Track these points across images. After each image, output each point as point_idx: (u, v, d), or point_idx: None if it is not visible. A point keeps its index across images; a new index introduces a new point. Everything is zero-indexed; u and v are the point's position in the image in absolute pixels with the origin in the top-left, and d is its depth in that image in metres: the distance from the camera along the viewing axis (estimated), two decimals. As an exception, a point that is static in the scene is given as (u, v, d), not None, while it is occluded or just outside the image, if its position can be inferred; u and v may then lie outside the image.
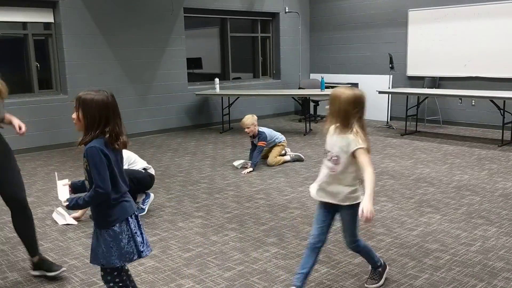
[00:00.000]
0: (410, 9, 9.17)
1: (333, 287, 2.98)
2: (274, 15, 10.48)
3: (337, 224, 4.06)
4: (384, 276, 3.01)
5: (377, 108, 9.70)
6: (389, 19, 9.53)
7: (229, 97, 8.91)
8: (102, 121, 2.24)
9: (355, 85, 10.02)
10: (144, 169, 4.47)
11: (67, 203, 2.35)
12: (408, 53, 9.31)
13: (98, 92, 2.27)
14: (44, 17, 7.50)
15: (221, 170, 6.02)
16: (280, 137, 6.28)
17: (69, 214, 4.27)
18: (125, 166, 3.76)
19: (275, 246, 3.61)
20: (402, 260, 3.31)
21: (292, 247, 3.59)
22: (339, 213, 2.79)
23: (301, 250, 3.52)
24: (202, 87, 9.24)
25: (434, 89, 8.69)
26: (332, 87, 9.11)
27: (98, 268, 3.27)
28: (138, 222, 2.40)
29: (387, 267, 3.07)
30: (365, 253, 2.96)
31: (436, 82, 8.92)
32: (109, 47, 8.00)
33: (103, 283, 3.06)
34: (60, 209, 4.30)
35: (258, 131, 6.07)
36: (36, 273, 3.14)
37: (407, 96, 8.56)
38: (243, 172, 5.83)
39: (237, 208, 4.53)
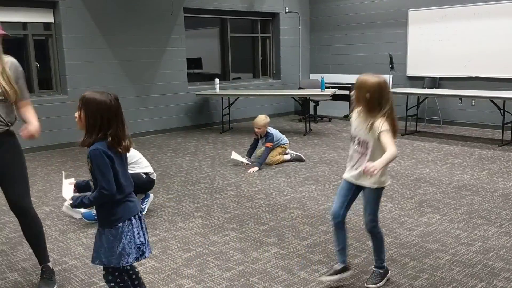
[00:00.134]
0: (410, 9, 9.17)
1: (333, 287, 2.98)
2: (274, 15, 10.48)
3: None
4: (385, 279, 3.01)
5: (377, 108, 9.70)
6: (389, 19, 9.53)
7: (229, 97, 8.91)
8: (104, 124, 2.24)
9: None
10: (146, 173, 4.43)
11: (71, 201, 2.37)
12: (408, 53, 9.31)
13: (103, 94, 2.28)
14: (44, 17, 7.50)
15: (221, 170, 6.02)
16: (284, 139, 6.32)
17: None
18: None
19: (275, 246, 3.61)
20: (402, 260, 3.31)
21: (292, 247, 3.59)
22: (364, 192, 2.90)
23: (301, 250, 3.53)
24: (202, 87, 9.24)
25: (434, 89, 8.69)
26: (332, 87, 9.17)
27: (98, 268, 3.29)
28: (141, 223, 2.40)
29: (389, 273, 3.07)
30: (378, 241, 2.99)
31: (436, 82, 8.92)
32: (109, 47, 8.01)
33: (103, 284, 3.07)
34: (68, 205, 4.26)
35: (267, 131, 6.13)
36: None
37: (407, 96, 8.56)
38: (249, 171, 5.85)
39: (237, 208, 4.53)
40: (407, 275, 3.09)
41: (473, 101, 8.63)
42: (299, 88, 10.12)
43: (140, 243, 2.35)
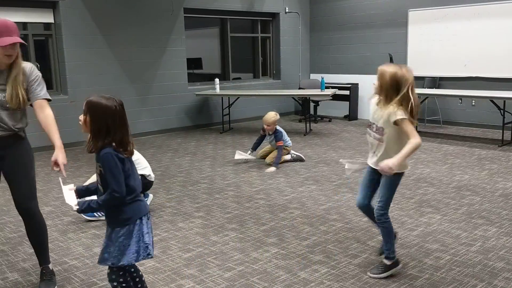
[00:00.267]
0: (410, 9, 9.17)
1: (333, 287, 2.98)
2: (274, 15, 10.48)
3: (337, 224, 4.06)
4: (391, 272, 3.04)
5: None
6: (389, 19, 9.53)
7: (229, 97, 8.91)
8: (109, 129, 2.27)
9: (355, 85, 10.04)
10: (142, 175, 4.39)
11: (78, 207, 2.37)
12: (408, 53, 9.30)
13: (108, 99, 2.29)
14: (44, 17, 7.50)
15: (221, 170, 6.02)
16: (289, 141, 6.33)
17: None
18: None
19: (275, 246, 3.61)
20: (402, 261, 3.30)
21: (292, 247, 3.59)
22: (382, 178, 2.99)
23: (301, 250, 3.53)
24: (202, 87, 9.24)
25: (434, 89, 8.69)
26: (332, 87, 9.17)
27: (99, 268, 3.29)
28: (149, 223, 2.43)
29: (399, 265, 3.10)
30: (384, 231, 3.04)
31: (436, 82, 8.92)
32: (109, 47, 8.00)
33: (103, 284, 3.08)
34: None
35: (276, 129, 6.17)
36: None
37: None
38: (266, 170, 5.88)
39: (237, 208, 4.53)
40: (407, 275, 3.09)
41: (473, 101, 8.63)
42: (299, 88, 10.12)
43: (148, 242, 2.38)
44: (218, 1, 9.33)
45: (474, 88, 8.20)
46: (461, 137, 7.87)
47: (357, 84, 10.07)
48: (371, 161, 3.06)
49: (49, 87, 7.74)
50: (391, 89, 2.83)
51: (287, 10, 10.39)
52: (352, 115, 10.08)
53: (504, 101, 7.18)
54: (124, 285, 2.45)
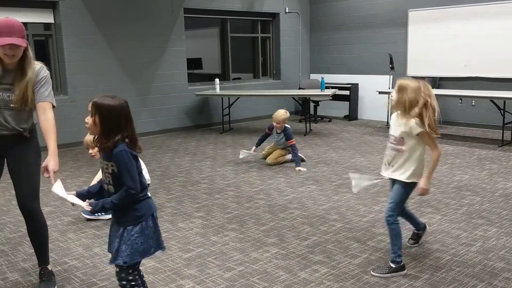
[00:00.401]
0: (410, 9, 9.17)
1: (333, 287, 2.98)
2: (274, 16, 10.48)
3: (337, 224, 4.06)
4: (393, 275, 3.07)
5: (378, 108, 9.71)
6: (389, 19, 9.53)
7: (229, 98, 8.90)
8: (120, 127, 2.30)
9: (355, 85, 10.04)
10: None
11: (90, 207, 2.36)
12: (408, 53, 9.30)
13: (114, 98, 2.33)
14: (44, 17, 7.50)
15: (221, 170, 6.02)
16: None
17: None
18: None
19: (275, 247, 3.61)
20: (402, 261, 3.30)
21: (292, 247, 3.59)
22: (395, 183, 3.14)
23: (301, 250, 3.52)
24: (202, 87, 9.24)
25: (434, 89, 8.59)
26: (332, 87, 9.17)
27: (99, 268, 3.29)
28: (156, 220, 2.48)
29: (404, 271, 3.11)
30: (392, 233, 3.14)
31: (436, 82, 8.92)
32: (109, 48, 8.00)
33: (103, 284, 3.08)
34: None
35: (285, 126, 6.17)
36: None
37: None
38: (296, 168, 5.88)
39: (237, 209, 4.53)
40: (407, 275, 3.09)
41: (473, 101, 8.63)
42: (299, 88, 10.12)
43: (160, 235, 2.44)
44: (218, 1, 9.33)
45: (474, 88, 8.20)
46: (461, 137, 7.87)
47: (357, 84, 10.07)
48: (386, 173, 3.20)
49: (49, 87, 7.74)
50: (410, 102, 2.98)
51: (287, 10, 10.39)
52: (352, 115, 10.08)
53: (504, 101, 7.18)
54: (133, 283, 2.44)
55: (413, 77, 3.05)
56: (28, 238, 3.10)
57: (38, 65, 2.91)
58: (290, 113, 10.85)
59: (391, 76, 9.07)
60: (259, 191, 5.09)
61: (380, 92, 8.43)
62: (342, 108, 10.17)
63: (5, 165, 2.99)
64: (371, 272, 3.12)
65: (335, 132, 8.68)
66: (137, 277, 2.48)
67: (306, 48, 10.99)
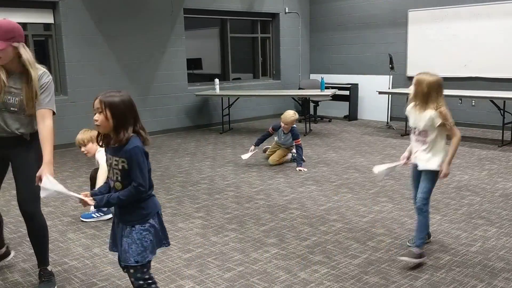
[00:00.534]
0: (410, 10, 9.17)
1: (333, 287, 2.98)
2: (274, 16, 10.48)
3: (337, 224, 4.06)
4: (419, 261, 3.23)
5: (377, 109, 9.71)
6: (389, 19, 9.53)
7: (229, 98, 8.90)
8: (131, 119, 2.30)
9: (355, 85, 10.04)
10: None
11: (94, 202, 2.33)
12: (408, 54, 9.30)
13: (120, 92, 2.32)
14: (44, 18, 7.50)
15: (221, 170, 6.02)
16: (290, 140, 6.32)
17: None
18: None
19: (275, 247, 3.61)
20: (402, 261, 3.30)
21: (292, 247, 3.59)
22: (422, 174, 3.31)
23: (301, 250, 3.53)
24: (202, 87, 9.24)
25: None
26: (332, 87, 9.17)
27: (99, 269, 3.29)
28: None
29: (424, 257, 3.27)
30: (424, 222, 3.30)
31: (436, 82, 8.90)
32: (109, 48, 8.00)
33: (103, 284, 3.08)
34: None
35: (292, 127, 6.16)
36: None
37: (407, 97, 8.53)
38: (297, 168, 5.90)
39: (237, 209, 4.53)
40: (407, 276, 3.09)
41: (473, 101, 8.62)
42: (299, 89, 10.13)
43: (164, 235, 2.45)
44: (218, 2, 9.33)
45: (474, 88, 8.20)
46: (461, 137, 7.86)
47: (357, 84, 10.07)
48: (418, 161, 3.36)
49: (49, 87, 7.74)
50: (428, 95, 3.20)
51: (287, 11, 10.39)
52: (352, 115, 10.08)
53: (504, 101, 7.18)
54: (150, 281, 2.42)
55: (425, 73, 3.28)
56: (28, 239, 3.10)
57: (41, 70, 2.89)
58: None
59: (391, 76, 9.07)
60: (259, 191, 5.09)
61: (380, 92, 8.43)
62: (342, 108, 10.17)
63: (10, 167, 3.01)
64: (400, 258, 3.28)
65: (335, 132, 8.68)
66: (152, 274, 2.46)
67: (306, 48, 10.99)
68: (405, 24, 9.27)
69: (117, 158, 2.29)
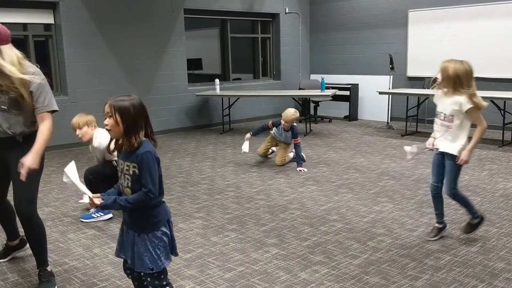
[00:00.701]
0: (410, 10, 9.17)
1: (333, 287, 2.98)
2: (274, 16, 10.48)
3: (337, 225, 4.06)
4: (479, 228, 3.61)
5: (378, 109, 9.72)
6: (389, 19, 9.53)
7: (229, 98, 8.91)
8: (142, 123, 2.26)
9: (355, 85, 10.04)
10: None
11: (101, 201, 2.27)
12: (408, 54, 9.31)
13: (129, 96, 2.29)
14: (45, 18, 7.50)
15: (221, 171, 6.02)
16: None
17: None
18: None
19: (275, 247, 3.61)
20: (402, 261, 3.31)
21: (293, 248, 3.59)
22: (446, 159, 3.44)
23: (302, 251, 3.52)
24: (203, 88, 9.24)
25: (434, 90, 8.67)
26: (333, 87, 9.17)
27: (99, 269, 3.29)
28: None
29: (483, 220, 3.63)
30: (463, 202, 3.57)
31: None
32: (109, 48, 8.01)
33: (103, 285, 3.07)
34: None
35: (292, 125, 6.15)
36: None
37: (408, 97, 8.56)
38: (298, 168, 5.90)
39: (237, 209, 4.53)
40: (407, 276, 3.09)
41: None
42: (299, 89, 10.12)
43: (175, 241, 2.41)
44: (218, 2, 9.33)
45: (474, 88, 8.19)
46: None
47: (357, 84, 10.07)
48: (439, 145, 3.48)
49: (49, 87, 7.73)
50: (457, 81, 3.27)
51: (287, 11, 10.39)
52: (352, 116, 10.08)
53: (504, 102, 7.18)
54: (168, 287, 2.41)
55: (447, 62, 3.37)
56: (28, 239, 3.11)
57: (31, 69, 2.85)
58: (290, 113, 10.88)
59: (391, 77, 9.07)
60: (259, 191, 5.09)
61: (380, 93, 8.43)
62: (342, 109, 10.17)
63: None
64: (462, 233, 3.62)
65: (335, 132, 8.68)
66: (169, 281, 2.44)
67: (306, 48, 10.99)
68: (405, 24, 9.27)
69: (128, 163, 2.26)
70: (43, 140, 2.84)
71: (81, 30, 7.65)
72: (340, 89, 9.52)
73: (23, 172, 2.72)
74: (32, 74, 2.84)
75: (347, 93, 9.98)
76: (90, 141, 4.35)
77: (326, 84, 8.68)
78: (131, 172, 2.26)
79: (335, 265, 3.28)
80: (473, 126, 3.38)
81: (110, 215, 4.29)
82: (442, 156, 3.48)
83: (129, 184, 2.28)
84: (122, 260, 2.48)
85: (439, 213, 3.69)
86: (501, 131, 7.28)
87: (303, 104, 9.85)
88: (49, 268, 3.11)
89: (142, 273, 2.34)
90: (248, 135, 6.25)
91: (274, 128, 6.29)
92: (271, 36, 10.66)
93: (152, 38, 8.47)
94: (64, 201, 4.90)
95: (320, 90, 8.58)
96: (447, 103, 3.36)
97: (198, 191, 5.17)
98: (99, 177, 4.27)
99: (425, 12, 8.97)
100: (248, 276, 3.16)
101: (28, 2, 7.25)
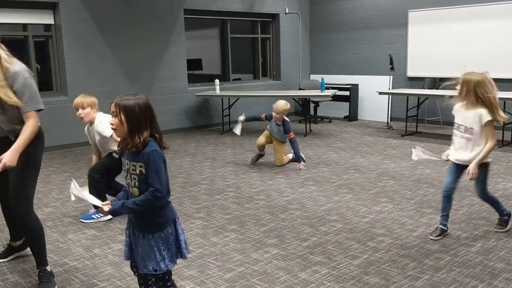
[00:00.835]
0: (410, 10, 9.18)
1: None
2: (274, 16, 10.49)
3: (337, 225, 4.06)
4: (510, 223, 3.74)
5: (378, 109, 9.72)
6: (389, 20, 9.53)
7: (229, 98, 8.91)
8: (147, 123, 2.24)
9: (355, 86, 10.04)
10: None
11: (110, 207, 2.26)
12: (408, 54, 9.31)
13: (135, 95, 2.28)
14: (45, 18, 7.50)
15: (221, 171, 6.02)
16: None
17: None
18: None
19: (275, 247, 3.61)
20: (402, 261, 3.31)
21: (293, 248, 3.59)
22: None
23: (302, 251, 3.52)
24: (202, 88, 9.24)
25: (434, 90, 8.68)
26: (333, 88, 9.18)
27: (99, 269, 3.29)
28: (180, 224, 2.41)
29: (509, 216, 3.75)
30: (493, 202, 3.73)
31: (436, 82, 8.92)
32: (109, 49, 8.01)
33: (103, 285, 3.07)
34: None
35: (284, 119, 6.07)
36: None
37: (407, 97, 8.56)
38: (297, 167, 5.91)
39: (237, 209, 4.53)
40: (407, 276, 3.09)
41: (473, 101, 8.61)
42: (299, 89, 10.13)
43: (182, 241, 2.36)
44: (218, 2, 9.34)
45: (474, 88, 8.18)
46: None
47: (357, 84, 10.07)
48: (454, 158, 3.62)
49: (49, 88, 7.75)
50: (476, 94, 3.37)
51: (287, 11, 10.39)
52: (352, 116, 10.08)
53: (504, 102, 7.18)
54: None
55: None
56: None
57: (14, 68, 2.81)
58: (290, 113, 10.88)
59: (391, 77, 9.07)
60: (259, 192, 5.09)
61: (380, 93, 8.43)
62: (342, 109, 10.18)
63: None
64: (495, 229, 3.75)
65: (335, 132, 8.69)
66: (173, 281, 2.43)
67: (306, 48, 11.00)
68: (405, 24, 9.27)
69: (134, 163, 2.24)
70: (23, 139, 2.83)
71: (81, 30, 7.65)
72: (340, 89, 9.52)
73: None
74: (15, 72, 2.81)
75: (347, 93, 9.98)
76: (88, 123, 4.34)
77: (326, 84, 8.68)
78: (137, 172, 2.24)
79: (335, 265, 3.28)
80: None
81: (110, 216, 4.28)
82: (458, 167, 3.59)
83: (136, 184, 2.26)
84: (122, 260, 2.48)
85: (446, 215, 3.71)
86: (501, 131, 7.27)
87: (303, 105, 9.86)
88: (48, 268, 3.11)
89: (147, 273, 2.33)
90: (241, 118, 6.23)
91: (269, 126, 6.24)
92: (271, 36, 10.66)
93: (152, 39, 8.47)
94: (64, 201, 4.90)
95: (320, 90, 8.59)
96: (468, 115, 3.47)
97: (198, 191, 5.17)
98: (104, 173, 4.29)
99: (425, 12, 8.98)
100: (248, 276, 3.16)
101: (28, 3, 7.26)
